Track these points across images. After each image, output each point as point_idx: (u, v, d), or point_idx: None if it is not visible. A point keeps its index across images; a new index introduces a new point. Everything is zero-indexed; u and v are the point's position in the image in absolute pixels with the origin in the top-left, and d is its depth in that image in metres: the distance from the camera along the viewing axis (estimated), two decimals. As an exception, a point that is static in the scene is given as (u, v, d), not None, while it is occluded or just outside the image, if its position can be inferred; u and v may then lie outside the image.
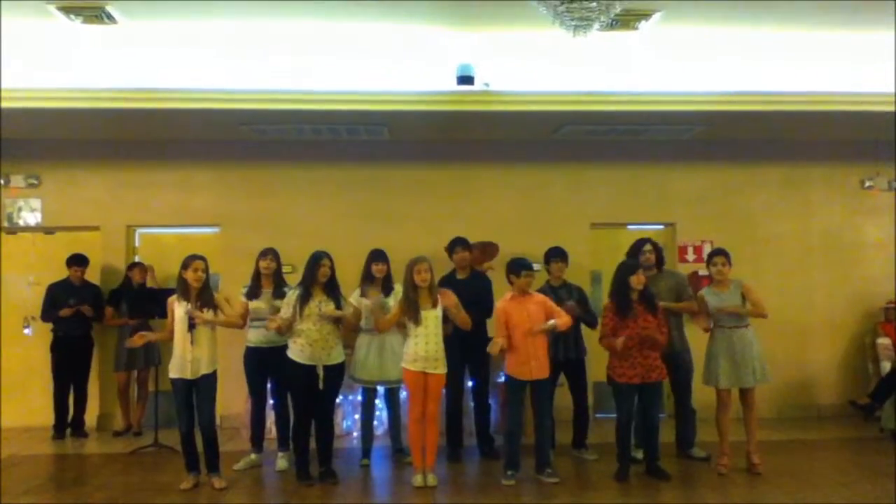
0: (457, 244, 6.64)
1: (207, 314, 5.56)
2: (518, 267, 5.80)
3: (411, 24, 6.20)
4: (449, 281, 6.51)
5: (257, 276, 6.25)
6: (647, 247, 6.43)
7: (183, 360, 5.55)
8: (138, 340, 5.84)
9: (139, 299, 7.43)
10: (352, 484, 5.83)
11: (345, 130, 7.74)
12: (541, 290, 6.23)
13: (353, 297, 6.24)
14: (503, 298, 5.87)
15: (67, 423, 7.58)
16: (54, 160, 8.14)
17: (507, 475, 5.73)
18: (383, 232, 7.69)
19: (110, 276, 8.03)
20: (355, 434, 7.14)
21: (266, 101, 6.85)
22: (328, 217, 8.15)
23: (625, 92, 6.97)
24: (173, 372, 5.59)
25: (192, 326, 5.51)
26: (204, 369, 5.58)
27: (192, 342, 5.52)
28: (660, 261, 6.49)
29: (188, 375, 5.55)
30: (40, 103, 6.77)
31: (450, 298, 5.72)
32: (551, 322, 5.70)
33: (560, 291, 6.39)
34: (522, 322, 5.71)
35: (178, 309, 5.59)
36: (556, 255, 6.49)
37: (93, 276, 7.89)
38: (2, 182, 8.12)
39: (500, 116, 7.28)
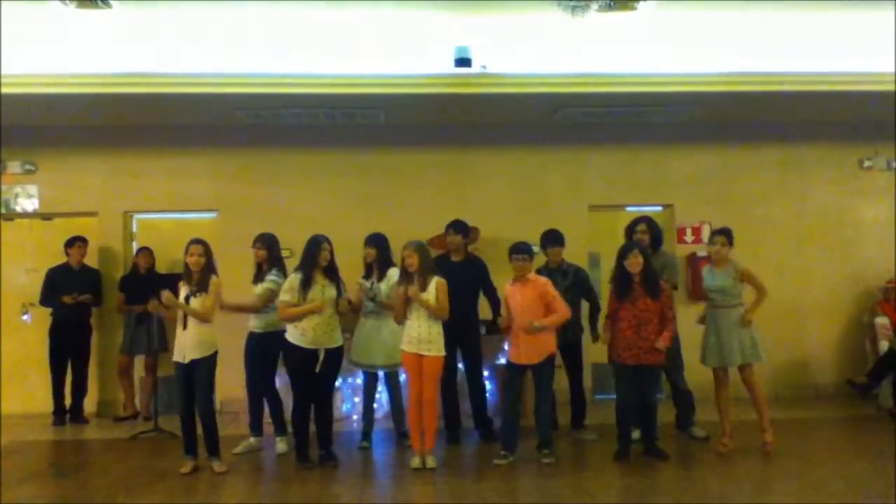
0: (448, 228, 6.63)
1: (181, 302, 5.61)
2: (511, 251, 5.81)
3: (408, 7, 6.16)
4: (441, 263, 6.50)
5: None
6: (641, 226, 6.38)
7: (178, 345, 5.63)
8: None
9: (137, 286, 7.46)
10: (351, 467, 5.85)
11: (340, 115, 7.71)
12: (537, 272, 6.25)
13: (361, 281, 6.27)
14: (508, 282, 5.87)
15: (66, 409, 7.59)
16: (51, 146, 8.11)
17: (500, 455, 5.77)
18: (380, 216, 7.70)
19: (108, 262, 8.04)
20: (355, 417, 7.16)
21: (260, 84, 6.83)
22: (325, 202, 8.13)
23: (622, 74, 6.94)
24: (174, 356, 5.68)
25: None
26: (192, 354, 5.59)
27: (184, 327, 5.56)
28: (655, 241, 6.43)
29: (180, 359, 5.62)
30: (36, 89, 6.76)
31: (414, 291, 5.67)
32: (535, 324, 5.67)
33: (555, 274, 6.37)
34: (516, 308, 5.76)
35: (181, 293, 5.63)
36: (551, 241, 6.45)
37: (90, 261, 7.88)
38: (-2, 168, 8.11)
39: (497, 99, 7.25)
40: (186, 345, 5.59)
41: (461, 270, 6.46)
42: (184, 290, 5.63)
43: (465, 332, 6.38)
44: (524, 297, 5.74)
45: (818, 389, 8.32)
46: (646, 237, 6.34)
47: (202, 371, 5.62)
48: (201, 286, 5.61)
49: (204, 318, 5.61)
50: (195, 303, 5.57)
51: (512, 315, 5.79)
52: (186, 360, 5.60)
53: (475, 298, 6.57)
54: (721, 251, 5.98)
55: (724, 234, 6.02)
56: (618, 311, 5.76)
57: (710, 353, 5.95)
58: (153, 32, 6.42)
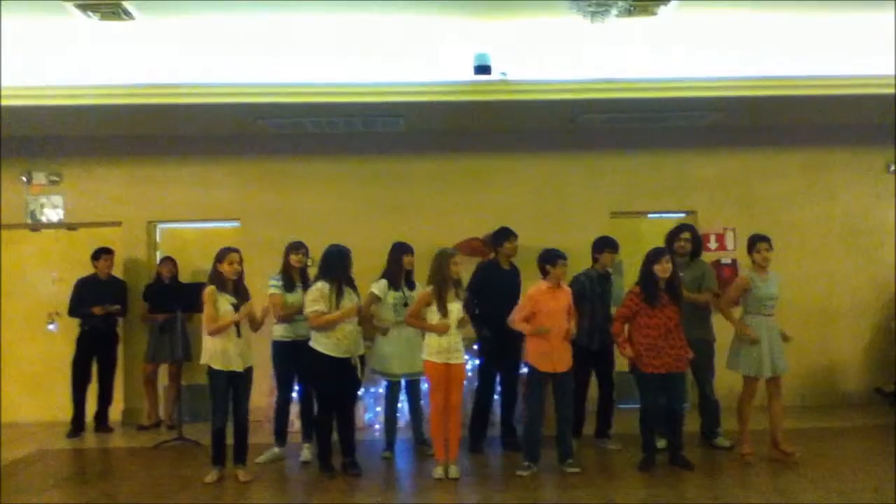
0: (510, 235, 6.57)
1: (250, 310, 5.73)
2: (554, 257, 5.75)
3: (428, 15, 6.17)
4: (491, 270, 6.50)
5: (288, 269, 6.25)
6: (686, 234, 6.35)
7: (231, 354, 5.58)
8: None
9: (160, 295, 7.53)
10: (374, 476, 5.85)
11: (361, 123, 7.72)
12: (585, 276, 6.28)
13: (378, 289, 6.24)
14: (537, 287, 5.78)
15: (84, 421, 7.56)
16: (75, 157, 8.21)
17: (523, 466, 5.73)
18: (400, 224, 7.71)
19: (132, 271, 8.10)
20: (377, 426, 7.16)
21: (282, 94, 6.86)
22: (346, 209, 8.15)
23: (643, 79, 6.90)
24: (217, 364, 5.58)
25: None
26: (248, 362, 5.69)
27: (238, 335, 5.58)
28: (695, 250, 6.39)
29: (236, 367, 5.60)
30: (60, 101, 6.84)
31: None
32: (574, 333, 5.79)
33: (602, 280, 6.35)
34: (554, 313, 5.67)
35: (222, 302, 5.58)
36: (610, 246, 6.41)
37: (115, 271, 7.93)
38: (24, 180, 8.21)
39: (517, 106, 7.23)
40: (242, 353, 5.63)
41: (510, 278, 6.49)
42: (224, 301, 5.58)
43: (513, 341, 6.33)
44: (558, 303, 5.71)
45: (845, 397, 8.19)
46: (689, 245, 6.32)
47: (248, 379, 5.74)
48: (245, 295, 5.70)
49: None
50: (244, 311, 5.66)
51: (541, 321, 5.69)
52: (243, 368, 5.64)
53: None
54: (767, 258, 5.92)
55: (768, 241, 5.94)
56: (645, 319, 5.67)
57: (765, 363, 5.80)
58: (175, 43, 6.47)
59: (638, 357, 5.72)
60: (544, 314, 5.67)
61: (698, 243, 6.44)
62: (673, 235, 6.39)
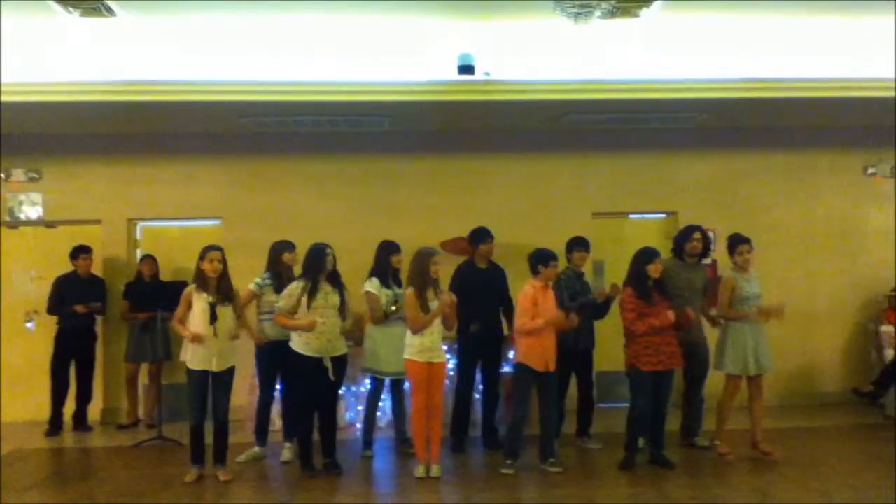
0: (485, 235, 6.57)
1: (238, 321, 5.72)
2: (546, 257, 5.77)
3: (412, 14, 6.17)
4: (471, 271, 6.50)
5: (279, 268, 6.21)
6: (698, 234, 6.33)
7: (208, 353, 5.52)
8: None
9: (141, 294, 7.47)
10: (355, 475, 5.83)
11: (344, 122, 7.70)
12: (565, 276, 6.28)
13: (373, 287, 6.21)
14: (532, 285, 5.76)
15: (63, 420, 7.50)
16: (55, 154, 8.13)
17: (506, 464, 5.73)
18: (385, 223, 7.69)
19: (112, 270, 8.03)
20: (358, 426, 7.14)
21: (264, 92, 6.83)
22: (329, 208, 8.13)
23: (626, 80, 6.93)
24: (194, 364, 5.54)
25: (213, 318, 5.49)
26: (227, 362, 5.61)
27: (215, 334, 5.51)
28: (705, 252, 6.41)
29: (212, 367, 5.54)
30: (40, 97, 6.77)
31: (450, 298, 5.72)
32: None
33: (578, 280, 6.38)
34: (548, 311, 5.68)
35: (199, 301, 5.53)
36: (583, 246, 6.45)
37: (95, 269, 7.86)
38: (2, 176, 8.12)
39: (501, 106, 7.25)
40: (220, 353, 5.56)
41: (488, 278, 6.49)
42: (201, 299, 5.54)
43: (492, 340, 6.38)
44: (549, 302, 5.73)
45: (823, 398, 8.27)
46: (700, 245, 6.32)
47: (228, 379, 5.65)
48: (227, 295, 5.61)
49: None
50: (222, 312, 5.54)
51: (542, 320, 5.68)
52: (221, 368, 5.57)
53: (499, 306, 6.56)
54: (749, 259, 5.98)
55: (749, 243, 6.01)
56: (645, 317, 5.66)
57: (752, 362, 5.88)
58: (158, 40, 6.43)
59: (636, 355, 5.72)
60: (540, 312, 5.67)
61: (708, 244, 6.47)
62: (685, 236, 6.36)
